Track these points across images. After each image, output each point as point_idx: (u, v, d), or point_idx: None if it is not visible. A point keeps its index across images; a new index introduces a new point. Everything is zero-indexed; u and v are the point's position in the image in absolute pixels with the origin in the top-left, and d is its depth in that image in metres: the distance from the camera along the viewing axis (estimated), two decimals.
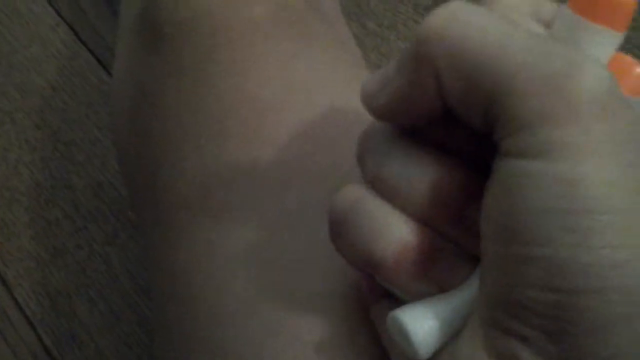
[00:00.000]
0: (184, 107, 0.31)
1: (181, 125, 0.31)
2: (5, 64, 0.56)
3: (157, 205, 0.31)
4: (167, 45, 0.31)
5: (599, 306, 0.17)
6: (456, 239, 0.21)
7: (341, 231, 0.22)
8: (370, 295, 0.24)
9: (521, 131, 0.18)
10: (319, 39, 0.33)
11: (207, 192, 0.29)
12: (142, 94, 0.32)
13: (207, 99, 0.30)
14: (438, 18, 0.19)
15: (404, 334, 0.21)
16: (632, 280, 0.17)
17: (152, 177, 0.32)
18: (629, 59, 0.21)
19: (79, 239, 0.47)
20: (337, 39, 0.35)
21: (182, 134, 0.31)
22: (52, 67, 0.56)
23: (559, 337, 0.18)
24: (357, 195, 0.21)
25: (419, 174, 0.21)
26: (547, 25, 0.22)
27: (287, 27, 0.32)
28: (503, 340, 0.19)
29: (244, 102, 0.30)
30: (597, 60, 0.18)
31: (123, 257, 0.46)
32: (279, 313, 0.26)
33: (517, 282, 0.18)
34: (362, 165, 0.22)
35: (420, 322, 0.21)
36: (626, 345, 0.18)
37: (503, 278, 0.19)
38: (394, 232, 0.21)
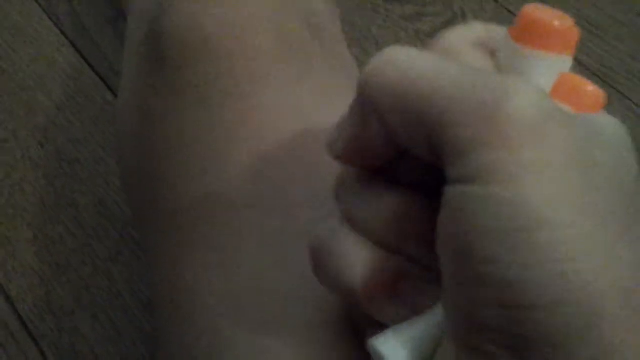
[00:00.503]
0: (186, 129, 0.31)
1: (184, 147, 0.31)
2: (11, 83, 0.57)
3: (159, 224, 0.32)
4: (171, 69, 0.32)
5: (552, 320, 0.18)
6: (424, 262, 0.22)
7: (318, 261, 0.23)
8: (362, 324, 0.25)
9: (459, 159, 0.19)
10: (321, 65, 0.34)
11: (211, 214, 0.30)
12: (146, 115, 0.33)
13: (209, 123, 0.31)
14: (375, 62, 0.20)
15: None
16: (582, 292, 0.18)
17: (154, 197, 0.32)
18: (578, 78, 0.21)
19: (82, 255, 0.47)
20: (339, 65, 0.36)
21: (185, 155, 0.31)
22: (57, 87, 0.57)
23: (522, 353, 0.18)
24: (332, 228, 0.23)
25: (382, 209, 0.22)
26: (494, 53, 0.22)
27: (289, 53, 0.32)
28: (472, 358, 0.20)
29: (245, 126, 0.30)
30: (529, 85, 0.19)
31: (126, 273, 0.46)
32: (272, 341, 0.27)
33: (473, 301, 0.19)
34: (337, 201, 0.24)
35: (395, 350, 0.21)
36: (591, 357, 0.18)
37: (461, 298, 0.19)
38: (362, 260, 0.22)
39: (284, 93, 0.31)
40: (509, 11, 0.61)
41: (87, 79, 0.57)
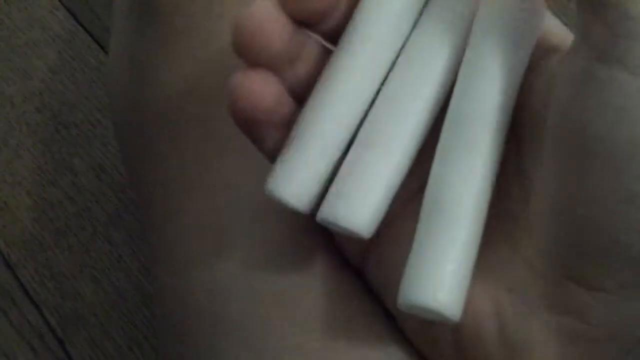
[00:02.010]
0: (176, 78, 0.30)
1: (175, 97, 0.30)
2: (5, 48, 0.56)
3: (152, 179, 0.31)
4: (159, 16, 0.31)
5: None
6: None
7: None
8: None
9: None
10: None
11: (205, 166, 0.29)
12: (136, 66, 0.32)
13: (201, 71, 0.30)
14: None
15: None
16: None
17: (147, 153, 0.31)
18: None
19: (81, 220, 0.47)
20: None
21: (177, 106, 0.30)
22: (51, 51, 0.56)
23: None
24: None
25: None
26: None
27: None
28: (573, 292, 0.18)
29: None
30: None
31: (126, 236, 0.46)
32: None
33: (612, 223, 0.17)
34: None
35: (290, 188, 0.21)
36: None
37: (592, 218, 0.17)
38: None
39: None
40: None
41: (80, 42, 0.56)
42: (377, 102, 0.21)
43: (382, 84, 0.22)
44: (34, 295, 0.44)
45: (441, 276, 0.19)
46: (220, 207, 0.28)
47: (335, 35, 0.22)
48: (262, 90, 0.21)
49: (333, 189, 0.21)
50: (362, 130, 0.21)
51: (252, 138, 0.23)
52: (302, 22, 0.22)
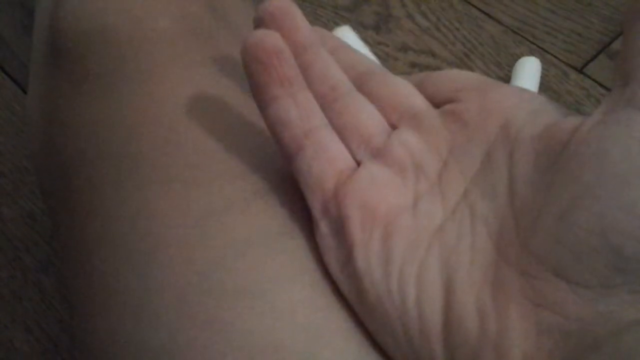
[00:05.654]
0: (92, 121, 0.30)
1: (92, 141, 0.30)
2: None
3: (72, 221, 0.31)
4: (72, 58, 0.31)
5: None
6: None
7: None
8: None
9: None
10: (226, 47, 0.33)
11: (121, 202, 0.29)
12: (51, 111, 0.32)
13: (116, 112, 0.30)
14: None
15: None
16: None
17: (67, 199, 0.31)
18: None
19: (12, 269, 0.46)
20: None
21: (95, 150, 0.30)
22: None
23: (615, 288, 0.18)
24: None
25: None
26: None
27: (192, 37, 0.32)
28: (553, 286, 0.19)
29: (155, 110, 0.30)
30: None
31: (56, 283, 0.46)
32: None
33: (605, 226, 0.18)
34: None
35: None
36: None
37: (585, 221, 0.19)
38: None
39: (191, 75, 0.31)
40: None
41: (7, 90, 0.56)
42: None
43: None
44: None
45: None
46: (141, 234, 0.28)
47: None
48: (276, 37, 0.25)
49: None
50: None
51: (259, 95, 0.26)
52: None
